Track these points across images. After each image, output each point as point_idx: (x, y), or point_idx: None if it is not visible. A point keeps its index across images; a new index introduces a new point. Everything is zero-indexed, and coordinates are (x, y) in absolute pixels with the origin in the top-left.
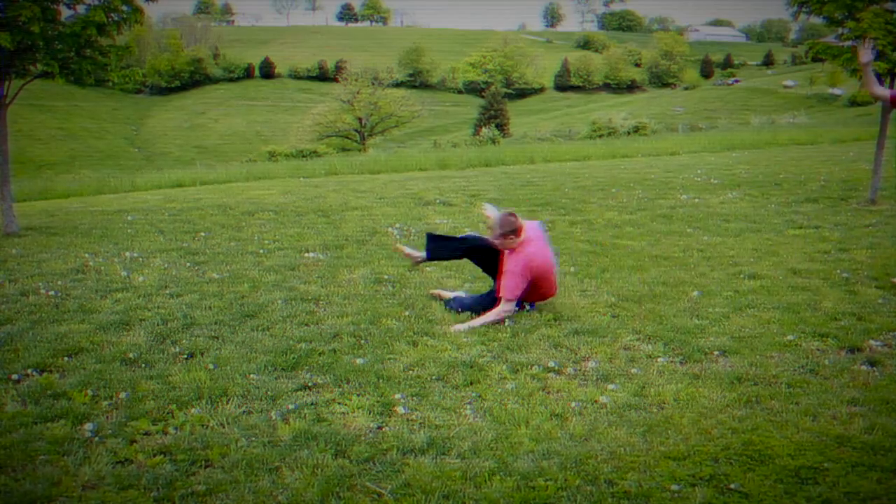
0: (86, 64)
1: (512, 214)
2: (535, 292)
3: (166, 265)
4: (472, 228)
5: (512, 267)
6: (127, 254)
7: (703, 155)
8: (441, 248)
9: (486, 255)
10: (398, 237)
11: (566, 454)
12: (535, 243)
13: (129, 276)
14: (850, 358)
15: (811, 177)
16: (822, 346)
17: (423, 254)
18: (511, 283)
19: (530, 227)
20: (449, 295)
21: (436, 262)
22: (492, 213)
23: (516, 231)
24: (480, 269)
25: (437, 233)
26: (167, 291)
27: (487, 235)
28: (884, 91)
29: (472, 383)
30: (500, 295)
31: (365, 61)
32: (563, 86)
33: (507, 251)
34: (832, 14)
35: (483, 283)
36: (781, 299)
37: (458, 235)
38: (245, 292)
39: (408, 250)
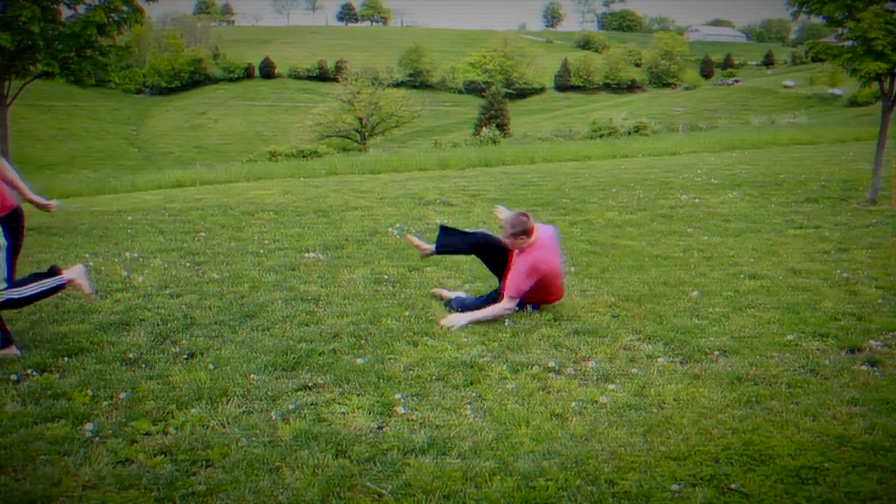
0: (86, 64)
1: (524, 214)
2: (539, 295)
3: (166, 265)
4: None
5: (519, 266)
6: (127, 254)
7: (704, 155)
8: (451, 241)
9: (495, 254)
10: (399, 237)
11: (567, 454)
12: (546, 248)
13: (130, 276)
14: (850, 358)
15: (811, 177)
16: (822, 346)
17: (432, 246)
18: (517, 280)
19: (543, 231)
20: (450, 295)
21: (444, 255)
22: (506, 215)
23: (527, 231)
24: (486, 269)
25: (451, 226)
26: (167, 291)
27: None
28: None
29: (472, 383)
30: (505, 292)
31: (365, 61)
32: (563, 86)
33: (516, 251)
34: (832, 14)
35: (483, 284)
36: (781, 299)
37: (469, 230)
38: (245, 292)
39: (417, 241)
